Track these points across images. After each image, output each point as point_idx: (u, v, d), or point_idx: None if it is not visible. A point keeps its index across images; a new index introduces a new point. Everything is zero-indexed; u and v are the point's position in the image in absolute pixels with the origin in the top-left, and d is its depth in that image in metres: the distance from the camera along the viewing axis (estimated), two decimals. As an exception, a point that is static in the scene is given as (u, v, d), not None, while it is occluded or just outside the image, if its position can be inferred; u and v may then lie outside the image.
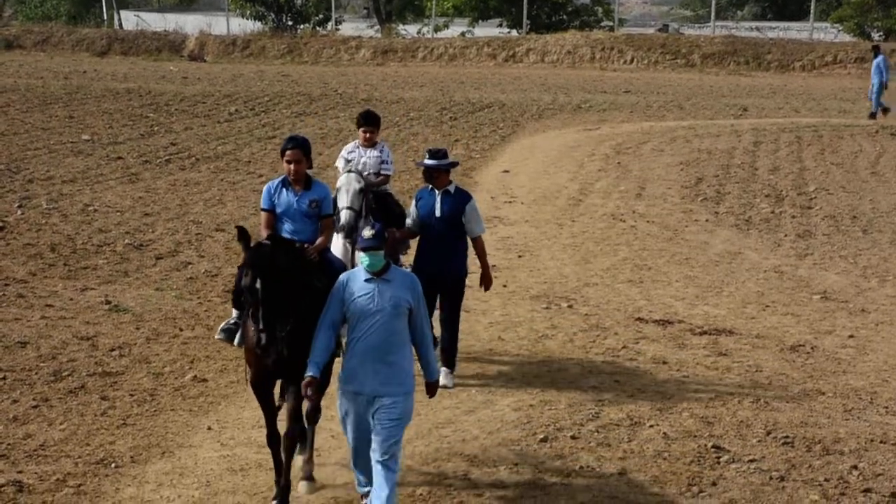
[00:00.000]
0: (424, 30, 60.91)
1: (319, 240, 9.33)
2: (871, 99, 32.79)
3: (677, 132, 29.91)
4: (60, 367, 11.83)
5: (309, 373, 8.08)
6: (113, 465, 9.53)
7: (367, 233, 8.00)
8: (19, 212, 19.22)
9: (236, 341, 9.32)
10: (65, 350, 12.41)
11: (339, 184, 11.69)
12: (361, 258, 8.06)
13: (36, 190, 21.22)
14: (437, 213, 11.36)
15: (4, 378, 11.44)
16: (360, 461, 8.31)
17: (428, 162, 11.50)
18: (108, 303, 14.23)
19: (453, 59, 54.14)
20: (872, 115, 32.22)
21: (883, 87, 32.26)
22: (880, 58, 32.17)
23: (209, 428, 10.40)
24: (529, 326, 13.70)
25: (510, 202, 21.58)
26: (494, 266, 16.58)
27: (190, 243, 17.55)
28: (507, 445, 9.95)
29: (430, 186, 11.50)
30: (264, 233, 9.19)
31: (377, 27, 61.94)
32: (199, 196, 21.36)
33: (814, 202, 21.67)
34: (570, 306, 14.59)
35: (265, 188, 9.50)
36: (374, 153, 12.57)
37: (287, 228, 9.31)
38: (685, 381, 11.74)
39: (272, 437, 8.79)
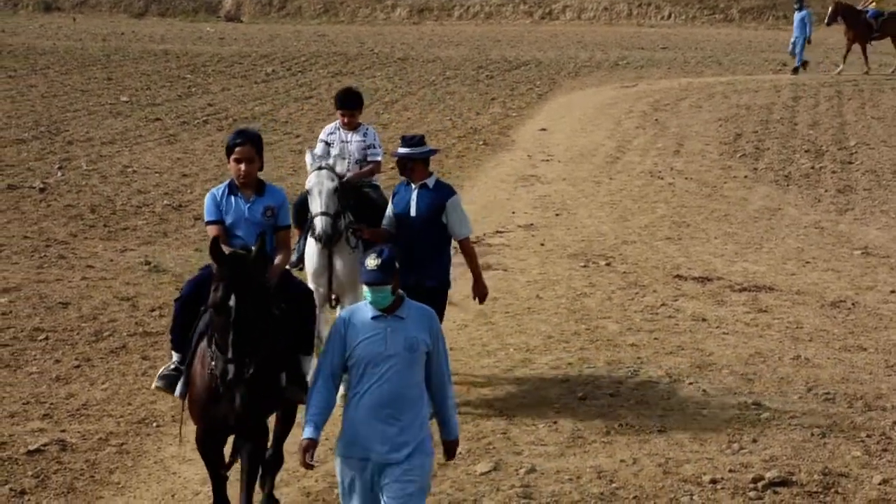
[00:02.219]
0: (460, -12, 60.61)
1: (277, 259, 7.65)
2: (793, 54, 32.30)
3: (715, 88, 29.68)
4: (101, 328, 11.93)
5: (307, 434, 6.42)
6: (154, 424, 9.61)
7: (371, 262, 6.35)
8: (59, 173, 19.35)
9: (178, 391, 7.56)
10: (106, 310, 12.51)
11: (308, 184, 9.75)
12: (365, 293, 6.44)
13: (76, 151, 21.35)
14: (413, 211, 9.46)
15: (47, 338, 11.56)
16: None
17: (400, 150, 9.53)
18: (148, 263, 14.32)
19: (489, 18, 53.89)
20: (796, 70, 31.90)
21: (806, 41, 31.85)
22: (805, 12, 31.71)
23: (249, 387, 10.43)
24: (567, 285, 13.66)
25: (547, 160, 21.50)
26: (532, 224, 16.58)
27: (228, 204, 17.58)
28: (546, 404, 9.95)
29: (407, 180, 9.65)
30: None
31: (413, -14, 61.69)
32: (237, 157, 21.39)
33: (854, 157, 21.45)
34: (608, 264, 14.55)
35: (208, 196, 7.80)
36: (356, 137, 10.65)
37: (237, 243, 7.49)
38: (725, 338, 11.69)
39: None
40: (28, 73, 31.88)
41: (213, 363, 6.77)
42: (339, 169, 10.10)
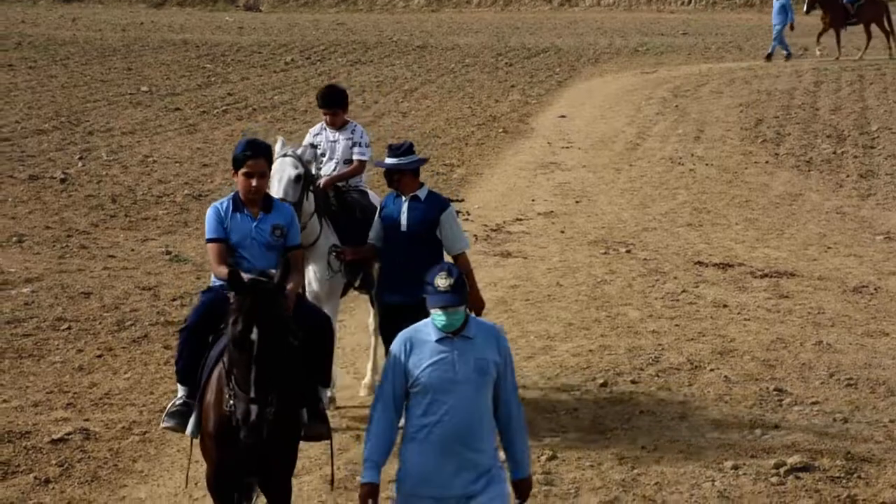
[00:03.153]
0: (479, -25, 60.52)
1: (290, 284, 6.74)
2: (777, 41, 32.12)
3: (736, 73, 29.55)
4: (123, 317, 11.98)
5: (367, 478, 5.90)
6: (177, 412, 9.64)
7: (441, 282, 5.82)
8: (80, 164, 19.42)
9: (189, 430, 6.82)
10: (127, 300, 12.56)
11: (271, 171, 8.65)
12: (435, 317, 5.88)
13: (96, 142, 21.41)
14: (403, 226, 8.60)
15: (69, 328, 11.61)
16: None
17: (386, 161, 8.69)
18: (169, 253, 14.37)
19: (508, 5, 53.76)
20: (769, 57, 31.77)
21: (789, 27, 31.68)
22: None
23: (271, 375, 10.45)
24: (588, 272, 13.65)
25: (567, 147, 21.46)
26: (552, 212, 16.56)
27: (248, 193, 17.61)
28: (566, 391, 9.96)
29: (396, 192, 8.79)
30: (217, 270, 7.00)
31: (431, -27, 61.62)
32: (257, 146, 21.42)
33: (876, 142, 21.33)
34: (628, 251, 14.52)
35: (211, 211, 7.17)
36: (342, 136, 10.09)
37: (242, 265, 6.86)
38: (746, 325, 11.66)
39: None
40: (48, 63, 31.96)
41: (231, 402, 6.13)
42: (324, 170, 9.94)
